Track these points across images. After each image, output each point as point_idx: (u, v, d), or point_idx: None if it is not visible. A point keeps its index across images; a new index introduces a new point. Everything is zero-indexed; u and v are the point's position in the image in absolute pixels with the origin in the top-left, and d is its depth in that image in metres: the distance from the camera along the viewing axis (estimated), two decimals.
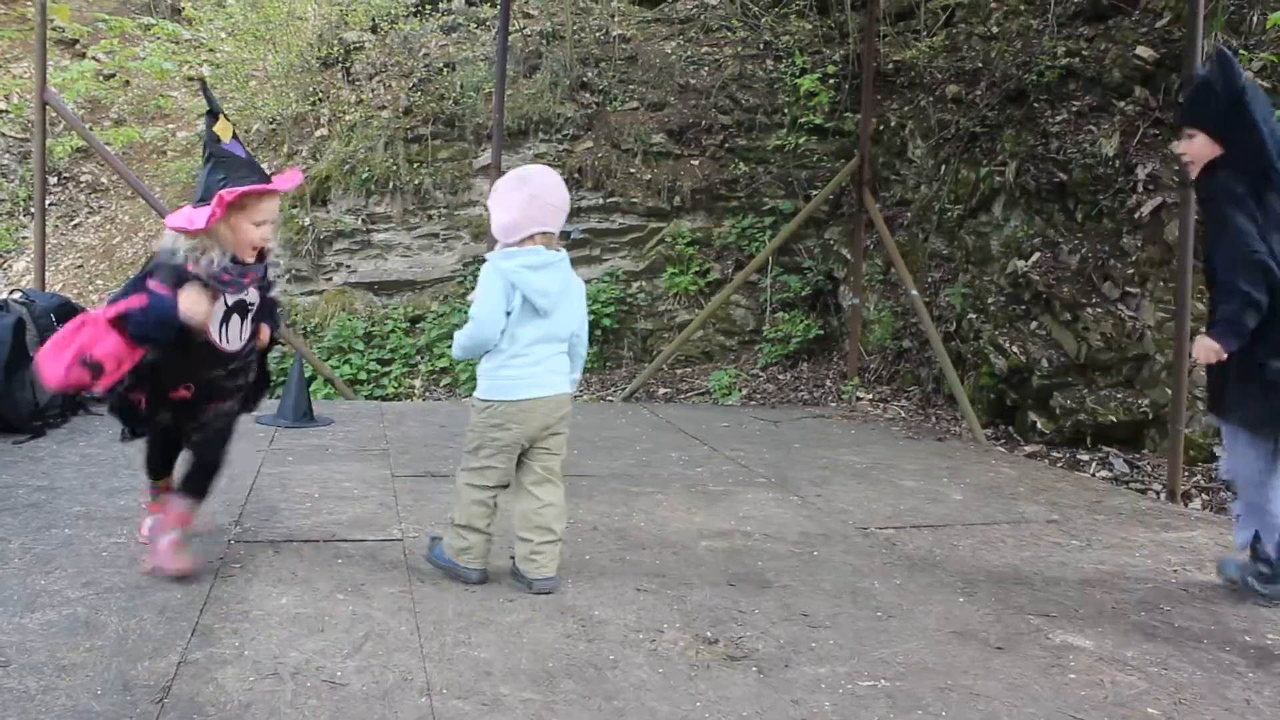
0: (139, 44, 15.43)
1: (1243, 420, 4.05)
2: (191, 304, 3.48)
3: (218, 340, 3.69)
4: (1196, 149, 4.08)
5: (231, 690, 2.88)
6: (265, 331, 3.96)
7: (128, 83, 15.44)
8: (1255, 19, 7.75)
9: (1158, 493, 6.42)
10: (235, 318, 3.72)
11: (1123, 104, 8.19)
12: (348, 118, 12.09)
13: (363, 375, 10.31)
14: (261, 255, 3.76)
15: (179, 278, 3.52)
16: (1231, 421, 4.11)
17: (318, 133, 12.39)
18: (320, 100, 12.79)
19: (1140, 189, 7.63)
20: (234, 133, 3.83)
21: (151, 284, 3.52)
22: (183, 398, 3.75)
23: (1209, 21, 7.46)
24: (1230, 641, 3.68)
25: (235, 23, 14.42)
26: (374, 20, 13.48)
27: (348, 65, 13.02)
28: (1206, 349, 3.92)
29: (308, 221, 11.32)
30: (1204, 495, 6.39)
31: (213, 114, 3.85)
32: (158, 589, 3.62)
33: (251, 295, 3.77)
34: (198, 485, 3.92)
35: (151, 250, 12.75)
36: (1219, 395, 4.12)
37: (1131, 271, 7.46)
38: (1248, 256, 3.80)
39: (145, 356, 3.54)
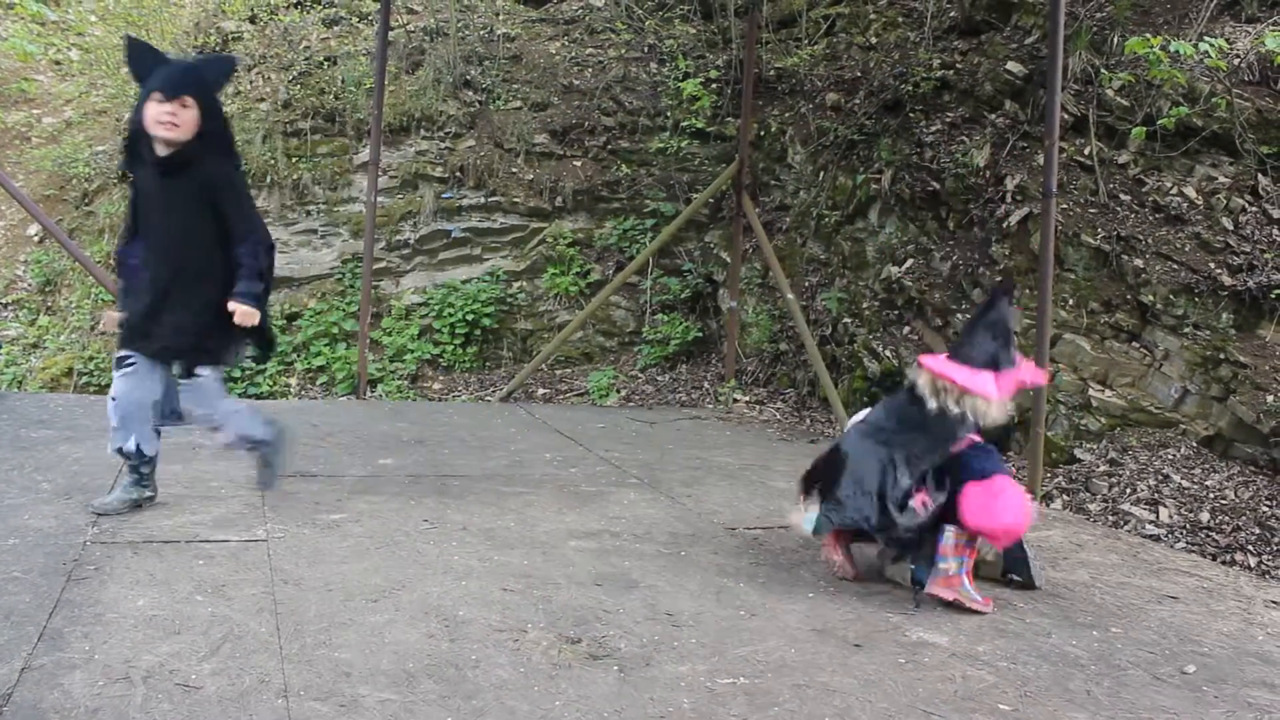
0: None
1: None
2: None
3: None
4: None
5: (78, 696, 2.79)
6: None
7: None
8: (1116, 40, 8.06)
9: None
10: None
11: (994, 116, 8.44)
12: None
13: (236, 372, 10.07)
14: None
15: None
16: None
17: None
18: None
19: (1009, 199, 7.86)
20: None
21: None
22: None
23: (1071, 42, 7.75)
24: (1076, 636, 3.83)
25: (106, 6, 13.93)
26: (253, 10, 13.17)
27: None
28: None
29: None
30: (1064, 496, 6.61)
31: None
32: (3, 593, 3.49)
33: None
34: None
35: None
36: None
37: (1000, 279, 7.69)
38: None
39: None
